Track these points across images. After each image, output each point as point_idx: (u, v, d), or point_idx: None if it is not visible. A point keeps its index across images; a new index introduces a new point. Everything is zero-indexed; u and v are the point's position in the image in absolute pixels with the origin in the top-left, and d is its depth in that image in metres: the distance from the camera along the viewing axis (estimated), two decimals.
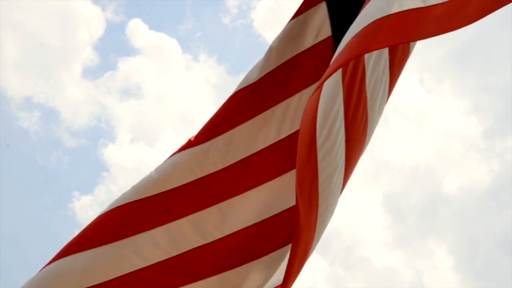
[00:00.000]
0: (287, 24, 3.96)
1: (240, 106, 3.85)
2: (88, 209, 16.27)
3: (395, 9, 2.83)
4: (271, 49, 3.91)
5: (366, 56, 3.72)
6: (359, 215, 17.57)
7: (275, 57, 3.90)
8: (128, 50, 19.92)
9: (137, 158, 17.65)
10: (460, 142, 18.34)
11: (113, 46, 18.31)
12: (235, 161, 3.81)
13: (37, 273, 3.70)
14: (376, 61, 3.79)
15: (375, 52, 3.76)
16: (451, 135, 18.54)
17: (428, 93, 18.51)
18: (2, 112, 17.11)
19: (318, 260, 16.46)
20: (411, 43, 3.98)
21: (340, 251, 16.85)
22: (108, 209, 3.77)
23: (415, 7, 2.83)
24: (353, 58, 3.29)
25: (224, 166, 3.80)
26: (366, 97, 3.75)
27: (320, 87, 3.10)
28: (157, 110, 18.49)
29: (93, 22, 17.63)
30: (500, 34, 15.33)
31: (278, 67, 3.89)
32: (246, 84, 3.87)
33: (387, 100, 3.98)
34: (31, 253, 15.34)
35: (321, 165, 3.45)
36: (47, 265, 3.73)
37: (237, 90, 3.86)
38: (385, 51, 3.82)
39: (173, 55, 18.31)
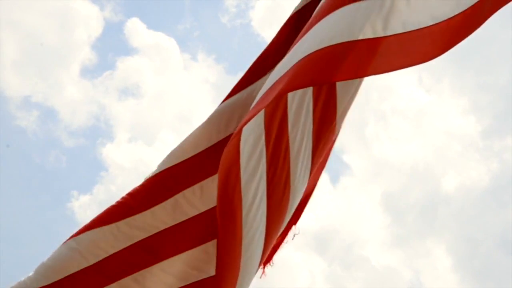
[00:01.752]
0: (218, 107, 3.86)
1: (160, 186, 3.79)
2: (86, 208, 16.27)
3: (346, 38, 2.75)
4: (202, 129, 3.83)
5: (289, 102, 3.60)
6: (357, 215, 17.60)
7: (200, 141, 3.81)
8: (126, 50, 19.91)
9: (136, 157, 17.67)
10: (459, 142, 18.37)
11: (111, 46, 18.31)
12: (146, 236, 3.77)
13: None
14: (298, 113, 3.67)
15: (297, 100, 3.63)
16: (450, 134, 18.56)
17: (427, 92, 18.52)
18: (0, 111, 17.12)
19: (317, 259, 16.50)
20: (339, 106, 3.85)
21: (339, 251, 16.89)
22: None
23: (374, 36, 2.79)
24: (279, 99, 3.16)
25: (139, 239, 3.77)
26: (289, 151, 3.63)
27: (239, 133, 3.06)
28: (155, 109, 18.52)
29: (91, 22, 17.65)
30: (499, 34, 15.33)
31: (201, 151, 3.81)
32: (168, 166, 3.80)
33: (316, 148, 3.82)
34: (30, 253, 15.34)
35: (245, 241, 3.42)
36: None
37: (159, 170, 3.80)
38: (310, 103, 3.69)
39: (172, 55, 18.32)
